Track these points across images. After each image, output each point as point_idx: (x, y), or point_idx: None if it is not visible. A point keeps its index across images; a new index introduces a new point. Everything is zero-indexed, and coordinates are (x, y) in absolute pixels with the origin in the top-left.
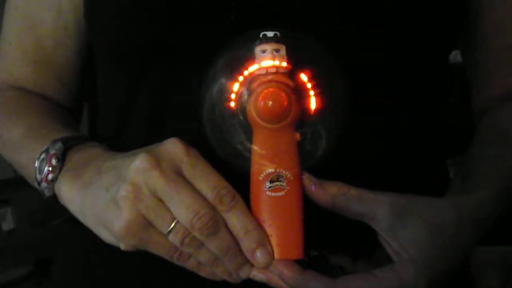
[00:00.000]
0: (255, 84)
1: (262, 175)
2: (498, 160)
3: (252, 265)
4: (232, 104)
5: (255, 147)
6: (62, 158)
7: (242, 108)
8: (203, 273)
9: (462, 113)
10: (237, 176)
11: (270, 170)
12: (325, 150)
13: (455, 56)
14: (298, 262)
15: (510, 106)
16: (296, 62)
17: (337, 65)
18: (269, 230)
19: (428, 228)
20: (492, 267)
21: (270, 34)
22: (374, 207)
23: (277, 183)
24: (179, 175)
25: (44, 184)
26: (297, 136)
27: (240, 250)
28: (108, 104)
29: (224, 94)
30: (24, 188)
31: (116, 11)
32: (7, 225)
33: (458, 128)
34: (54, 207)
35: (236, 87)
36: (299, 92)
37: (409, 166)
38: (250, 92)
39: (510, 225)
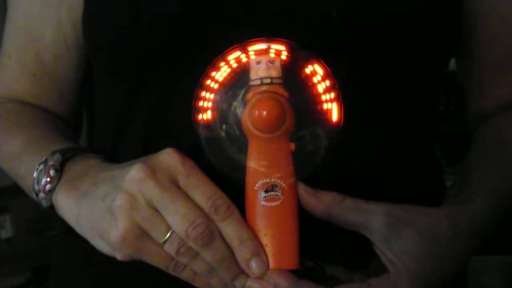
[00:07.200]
0: (249, 95)
1: (257, 185)
2: (494, 168)
3: (247, 275)
4: (227, 115)
5: (249, 157)
6: (60, 169)
7: (237, 118)
8: (199, 283)
9: (461, 120)
10: (232, 186)
11: (265, 180)
12: (320, 160)
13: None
14: (293, 272)
15: (506, 115)
16: (291, 73)
17: (331, 77)
18: (264, 240)
19: (423, 238)
20: (493, 276)
21: (264, 45)
22: (369, 217)
23: (272, 193)
24: (175, 185)
25: (42, 195)
26: (292, 146)
27: (235, 260)
28: (105, 116)
29: (218, 106)
30: (23, 196)
31: (115, 25)
32: (6, 232)
33: (458, 135)
34: (52, 216)
35: (230, 98)
36: (294, 103)
37: (405, 177)
38: (245, 103)
39: (510, 234)
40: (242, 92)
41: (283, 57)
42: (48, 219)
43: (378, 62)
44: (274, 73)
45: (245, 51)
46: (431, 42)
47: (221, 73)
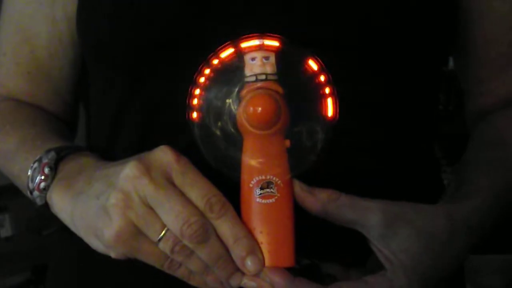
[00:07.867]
0: (244, 91)
1: (252, 182)
2: (492, 167)
3: (243, 273)
4: (221, 112)
5: (245, 154)
6: (54, 167)
7: (231, 115)
8: (194, 282)
9: (461, 120)
10: (227, 184)
11: (260, 177)
12: (316, 157)
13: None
14: (289, 270)
15: (504, 113)
16: (286, 69)
17: (325, 72)
18: (259, 237)
19: (420, 235)
20: (493, 275)
21: (257, 42)
22: (366, 215)
23: (267, 190)
24: (169, 183)
25: (36, 193)
26: (287, 142)
27: (231, 258)
28: (101, 115)
29: (212, 103)
30: (23, 195)
31: (111, 24)
32: (5, 232)
33: (458, 135)
34: (47, 214)
35: (225, 95)
36: (289, 99)
37: (404, 177)
38: (240, 100)
39: (510, 234)
40: (237, 89)
41: (278, 52)
42: (48, 218)
43: (377, 61)
44: (269, 69)
45: (239, 48)
46: (430, 41)
47: (215, 70)
